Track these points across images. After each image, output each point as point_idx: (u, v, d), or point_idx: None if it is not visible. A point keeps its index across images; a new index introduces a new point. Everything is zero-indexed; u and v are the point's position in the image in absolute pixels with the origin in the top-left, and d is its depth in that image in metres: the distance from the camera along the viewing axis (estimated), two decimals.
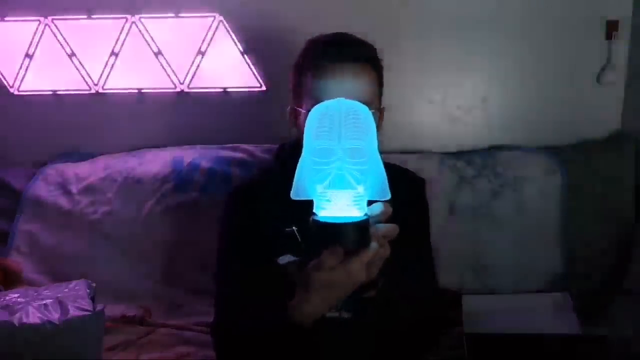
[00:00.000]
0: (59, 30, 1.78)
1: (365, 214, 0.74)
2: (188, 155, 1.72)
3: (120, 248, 1.66)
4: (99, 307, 1.19)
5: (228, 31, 1.74)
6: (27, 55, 1.81)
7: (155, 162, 1.72)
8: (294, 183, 0.75)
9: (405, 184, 1.07)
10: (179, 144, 1.78)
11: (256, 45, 1.76)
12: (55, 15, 1.77)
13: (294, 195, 0.75)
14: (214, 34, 1.75)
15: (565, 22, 1.69)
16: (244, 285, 1.01)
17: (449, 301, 1.43)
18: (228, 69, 1.77)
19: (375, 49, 1.05)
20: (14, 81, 1.83)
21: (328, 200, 0.73)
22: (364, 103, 0.91)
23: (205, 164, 1.69)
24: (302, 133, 0.94)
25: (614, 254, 1.56)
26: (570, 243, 1.58)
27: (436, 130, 1.79)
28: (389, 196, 0.75)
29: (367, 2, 1.71)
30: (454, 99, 1.77)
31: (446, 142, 1.76)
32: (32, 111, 1.85)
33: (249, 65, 1.76)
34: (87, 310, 1.16)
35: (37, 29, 1.78)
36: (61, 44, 1.79)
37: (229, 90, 1.81)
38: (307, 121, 0.77)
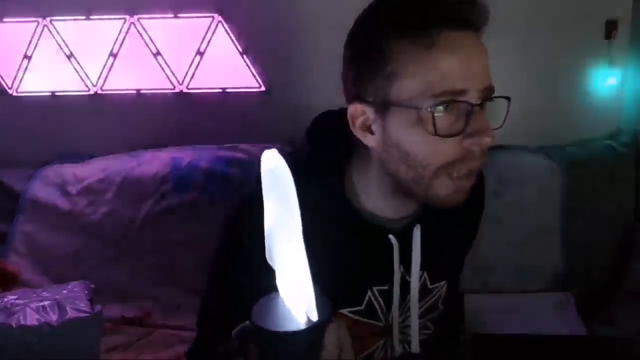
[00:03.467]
0: (57, 31, 1.77)
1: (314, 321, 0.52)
2: (187, 155, 1.72)
3: (119, 249, 1.65)
4: (97, 308, 1.19)
5: (227, 31, 1.74)
6: (25, 56, 1.80)
7: (154, 162, 1.72)
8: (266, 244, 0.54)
9: (473, 198, 0.74)
10: (177, 144, 1.78)
11: (255, 46, 1.75)
12: (53, 16, 1.77)
13: (268, 256, 0.54)
14: (212, 34, 1.74)
15: (565, 21, 1.69)
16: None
17: None
18: (227, 69, 1.77)
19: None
20: (13, 82, 1.83)
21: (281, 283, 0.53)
22: (492, 90, 0.67)
23: (204, 164, 1.68)
24: (398, 140, 0.66)
25: (615, 253, 1.56)
26: (571, 243, 1.58)
27: None
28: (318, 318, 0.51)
29: (367, 3, 1.70)
30: None
31: None
32: (31, 112, 1.85)
33: (248, 65, 1.76)
34: (85, 312, 1.16)
35: (35, 30, 1.78)
36: (59, 45, 1.78)
37: (228, 90, 1.80)
38: None
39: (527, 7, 1.69)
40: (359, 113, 0.68)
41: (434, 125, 0.63)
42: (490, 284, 1.57)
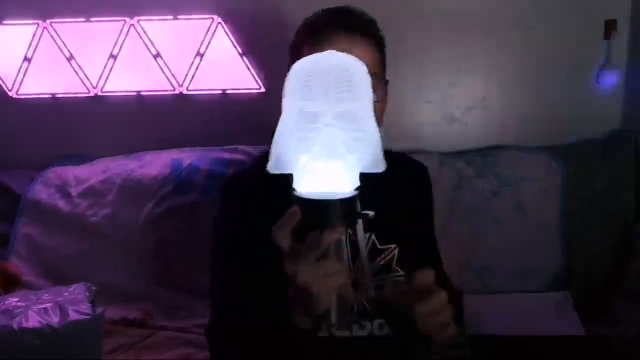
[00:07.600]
0: (57, 33, 1.78)
1: (355, 189, 0.63)
2: (187, 157, 1.72)
3: (120, 250, 1.66)
4: (98, 310, 1.20)
5: (227, 33, 1.74)
6: (25, 58, 1.80)
7: (155, 164, 1.72)
8: (271, 154, 0.65)
9: (410, 173, 1.04)
10: (178, 146, 1.78)
11: (255, 47, 1.76)
12: (53, 18, 1.77)
13: (273, 168, 0.65)
14: (212, 35, 1.75)
15: (564, 21, 1.69)
16: (243, 282, 0.94)
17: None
18: (227, 70, 1.77)
19: (375, 21, 0.99)
20: (13, 85, 1.83)
21: (313, 173, 0.62)
22: None
23: (204, 165, 1.68)
24: None
25: (614, 253, 1.56)
26: (570, 243, 1.58)
27: (436, 130, 1.79)
28: (383, 168, 0.65)
29: (366, 3, 1.70)
30: (454, 99, 1.77)
31: (446, 142, 1.76)
32: (31, 114, 1.85)
33: (247, 66, 1.76)
34: (86, 314, 1.17)
35: (35, 32, 1.78)
36: (60, 47, 1.79)
37: (227, 92, 1.80)
38: (290, 77, 0.66)
39: (526, 8, 1.69)
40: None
41: None
42: (490, 284, 1.58)
